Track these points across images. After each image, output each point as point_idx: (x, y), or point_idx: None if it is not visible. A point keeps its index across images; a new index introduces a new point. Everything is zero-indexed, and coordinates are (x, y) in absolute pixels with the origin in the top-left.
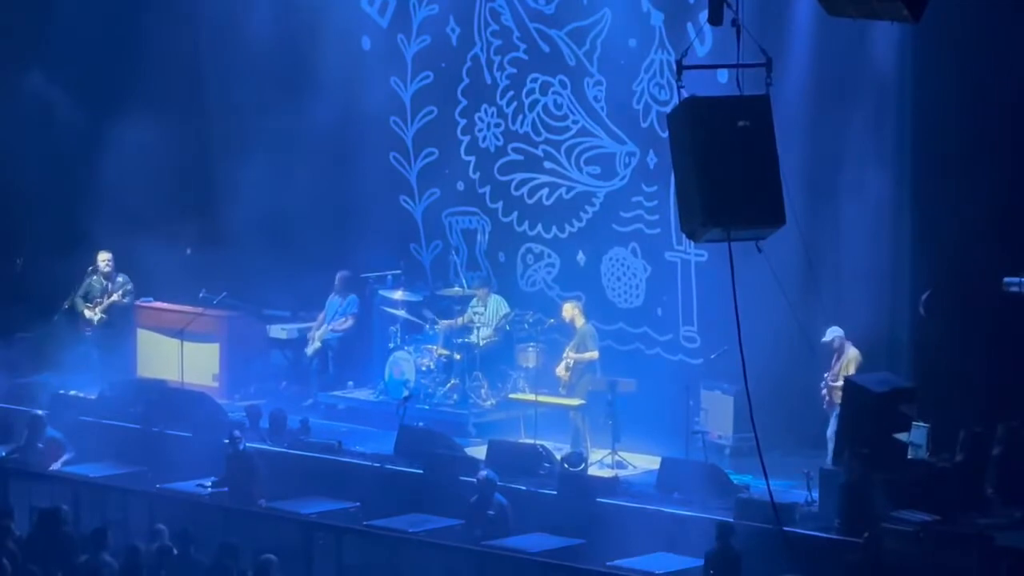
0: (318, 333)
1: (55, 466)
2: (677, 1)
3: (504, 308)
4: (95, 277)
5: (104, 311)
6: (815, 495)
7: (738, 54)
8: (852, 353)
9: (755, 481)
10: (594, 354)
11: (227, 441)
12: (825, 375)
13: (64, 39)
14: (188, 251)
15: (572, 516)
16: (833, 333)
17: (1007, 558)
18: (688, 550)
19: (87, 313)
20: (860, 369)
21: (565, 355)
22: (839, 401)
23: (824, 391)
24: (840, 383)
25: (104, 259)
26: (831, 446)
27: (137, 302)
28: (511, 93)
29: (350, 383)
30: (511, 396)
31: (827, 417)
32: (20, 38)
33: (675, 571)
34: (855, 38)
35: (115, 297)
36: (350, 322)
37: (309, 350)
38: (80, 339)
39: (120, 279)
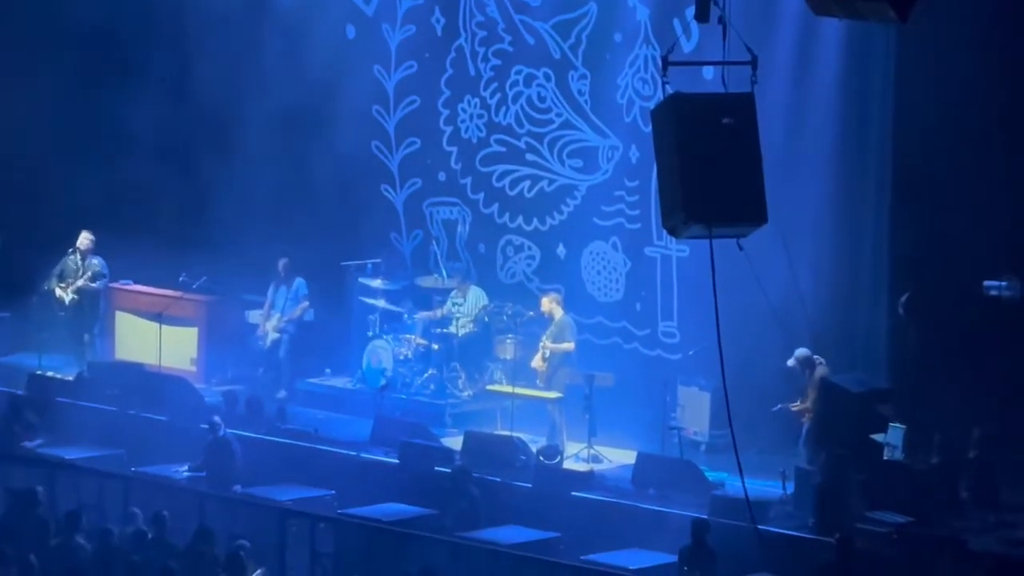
0: (270, 324)
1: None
2: None
3: (483, 299)
4: (72, 257)
5: (75, 292)
6: (790, 493)
7: (724, 51)
8: (822, 371)
9: (730, 478)
10: (570, 345)
11: (206, 427)
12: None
13: (49, 20)
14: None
15: (547, 509)
16: (804, 353)
17: (980, 561)
18: (662, 546)
19: (59, 293)
20: None
21: (542, 344)
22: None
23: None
24: None
25: (84, 239)
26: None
27: (116, 284)
28: (495, 85)
29: (327, 370)
30: (488, 387)
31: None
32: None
33: (649, 567)
34: (841, 37)
35: (81, 281)
36: (306, 304)
37: (265, 343)
38: (55, 319)
39: (95, 261)
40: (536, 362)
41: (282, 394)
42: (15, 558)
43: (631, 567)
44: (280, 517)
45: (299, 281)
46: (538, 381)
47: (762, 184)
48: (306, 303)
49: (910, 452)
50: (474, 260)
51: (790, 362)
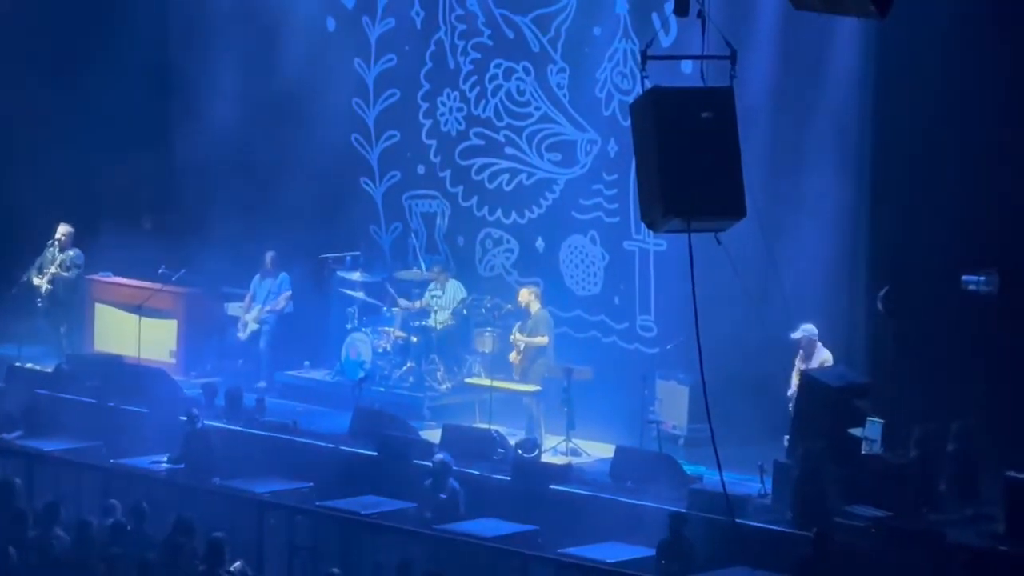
0: (251, 316)
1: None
2: None
3: (462, 292)
4: (51, 249)
5: (49, 282)
6: (768, 488)
7: (703, 45)
8: (826, 355)
9: (708, 472)
10: (543, 340)
11: (185, 419)
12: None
13: (28, 11)
14: (147, 225)
15: (525, 502)
16: (806, 330)
17: (958, 555)
18: (641, 540)
19: (36, 282)
20: None
21: (513, 336)
22: None
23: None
24: None
25: (62, 231)
26: None
27: (95, 276)
28: (474, 78)
29: (306, 363)
30: (467, 380)
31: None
32: None
33: (627, 560)
34: (820, 32)
35: (53, 269)
36: (288, 294)
37: (244, 334)
38: (34, 311)
39: (71, 252)
40: (512, 357)
41: (262, 385)
42: None
43: (609, 560)
44: (258, 509)
45: (284, 276)
46: (514, 374)
47: (741, 178)
48: (288, 293)
49: (888, 446)
50: (453, 253)
51: (796, 334)
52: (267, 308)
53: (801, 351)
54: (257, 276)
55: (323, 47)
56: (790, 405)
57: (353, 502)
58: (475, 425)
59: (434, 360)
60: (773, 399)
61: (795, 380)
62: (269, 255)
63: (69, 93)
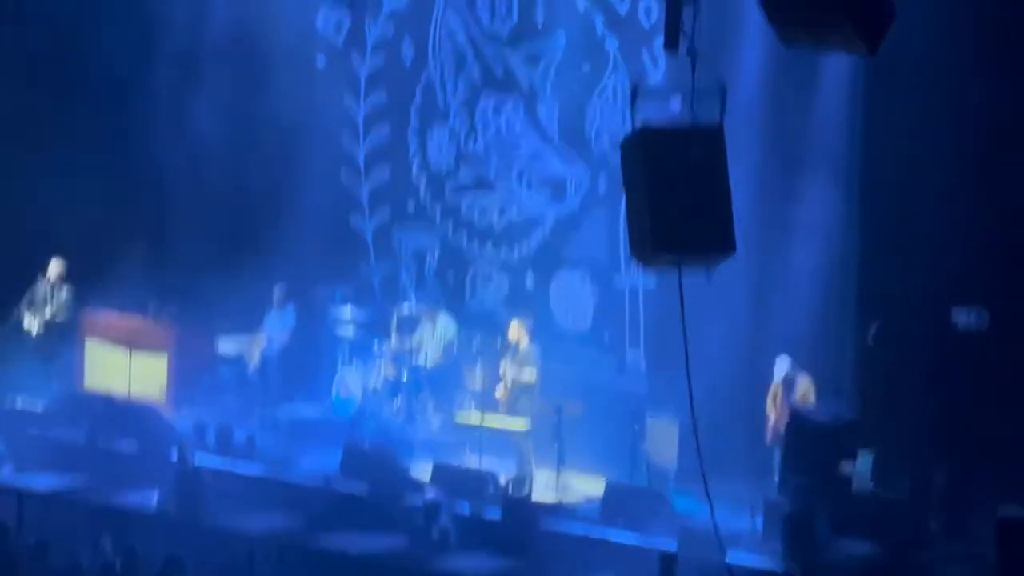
0: (256, 348)
1: None
2: (632, 27)
3: (452, 329)
4: (42, 284)
5: (42, 326)
6: (759, 524)
7: (692, 82)
8: (807, 381)
9: (699, 508)
10: (532, 376)
11: (175, 456)
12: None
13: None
14: (138, 261)
15: (515, 540)
16: (788, 364)
17: None
18: None
19: (27, 323)
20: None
21: (502, 370)
22: None
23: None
24: None
25: (55, 268)
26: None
27: (86, 312)
28: (464, 114)
29: (297, 399)
30: (457, 417)
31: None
32: None
33: None
34: (809, 68)
35: (47, 314)
36: (286, 332)
37: (254, 363)
38: (23, 346)
39: (64, 295)
40: (499, 392)
41: (258, 418)
42: None
43: None
44: (249, 547)
45: (288, 307)
46: (500, 409)
47: (731, 215)
48: (287, 330)
49: (879, 482)
50: (443, 289)
51: (786, 369)
52: (270, 338)
53: (784, 381)
54: (270, 310)
55: (313, 84)
56: (768, 437)
57: (344, 540)
58: (465, 462)
59: (424, 397)
60: (763, 434)
61: (773, 413)
62: (276, 288)
63: (57, 126)
